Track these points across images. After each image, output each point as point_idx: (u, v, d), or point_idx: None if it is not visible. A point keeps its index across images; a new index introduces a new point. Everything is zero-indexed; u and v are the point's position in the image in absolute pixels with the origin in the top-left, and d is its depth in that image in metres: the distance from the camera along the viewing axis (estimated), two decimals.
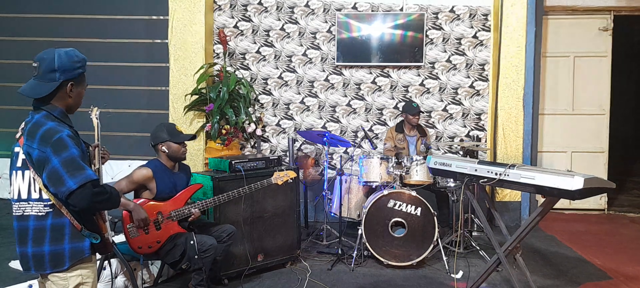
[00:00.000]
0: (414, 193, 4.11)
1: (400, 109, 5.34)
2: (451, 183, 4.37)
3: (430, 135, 5.63)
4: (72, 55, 1.99)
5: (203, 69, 5.38)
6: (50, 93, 1.95)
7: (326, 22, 5.66)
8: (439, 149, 5.67)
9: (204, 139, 5.48)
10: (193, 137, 3.53)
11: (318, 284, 3.73)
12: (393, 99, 5.67)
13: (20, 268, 2.04)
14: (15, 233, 2.00)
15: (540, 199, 4.38)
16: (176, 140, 3.36)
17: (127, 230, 3.16)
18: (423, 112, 5.58)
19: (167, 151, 3.37)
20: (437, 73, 5.66)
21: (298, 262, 4.19)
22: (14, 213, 1.99)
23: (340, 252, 4.24)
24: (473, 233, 4.91)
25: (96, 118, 2.18)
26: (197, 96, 5.38)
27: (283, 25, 5.69)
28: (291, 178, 3.66)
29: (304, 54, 5.70)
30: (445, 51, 5.64)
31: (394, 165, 4.31)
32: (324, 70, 5.71)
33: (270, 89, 5.75)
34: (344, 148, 5.61)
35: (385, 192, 4.13)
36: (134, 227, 3.16)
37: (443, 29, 5.62)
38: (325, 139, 4.59)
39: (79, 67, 2.01)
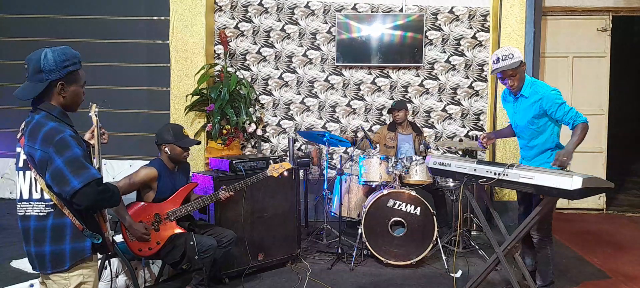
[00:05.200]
0: (413, 193, 4.13)
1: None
2: (450, 183, 4.39)
3: (430, 135, 5.66)
4: (58, 55, 1.94)
5: (204, 69, 5.40)
6: (42, 93, 1.94)
7: (326, 22, 5.68)
8: (438, 149, 5.69)
9: (205, 138, 5.50)
10: (198, 143, 3.53)
11: (318, 283, 3.75)
12: (392, 99, 5.68)
13: (31, 267, 2.06)
14: (21, 233, 2.02)
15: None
16: (181, 145, 3.36)
17: (127, 234, 3.17)
18: (408, 110, 5.46)
19: (169, 153, 3.36)
20: (436, 73, 5.68)
21: (298, 261, 4.21)
22: (18, 214, 2.01)
23: (340, 251, 4.26)
24: (472, 233, 4.93)
25: (95, 115, 2.20)
26: (198, 96, 5.40)
27: (283, 26, 5.71)
28: (286, 170, 3.64)
29: (304, 55, 5.72)
30: (445, 52, 5.66)
31: (394, 164, 4.33)
32: (324, 71, 5.73)
33: (270, 90, 5.77)
34: (344, 148, 5.62)
35: (385, 191, 4.15)
36: None
37: (442, 30, 5.64)
38: (325, 138, 4.61)
39: (67, 65, 1.95)
